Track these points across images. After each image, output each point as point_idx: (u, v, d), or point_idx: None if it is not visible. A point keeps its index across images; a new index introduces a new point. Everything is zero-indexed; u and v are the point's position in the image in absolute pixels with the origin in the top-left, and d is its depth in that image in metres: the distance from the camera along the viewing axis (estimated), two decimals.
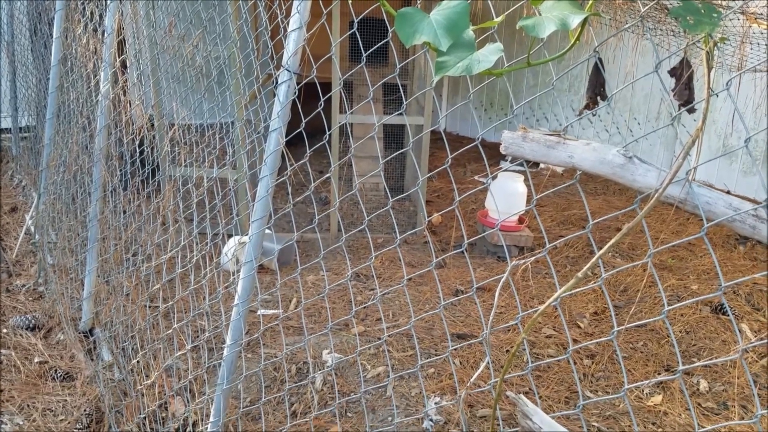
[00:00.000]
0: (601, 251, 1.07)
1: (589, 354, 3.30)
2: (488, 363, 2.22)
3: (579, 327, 3.59)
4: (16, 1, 4.73)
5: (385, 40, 1.64)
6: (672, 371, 3.17)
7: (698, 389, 3.04)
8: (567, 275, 4.19)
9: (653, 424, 2.79)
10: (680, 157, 0.99)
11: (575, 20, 1.05)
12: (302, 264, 4.22)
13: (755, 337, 3.44)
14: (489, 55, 1.10)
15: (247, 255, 1.86)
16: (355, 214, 5.27)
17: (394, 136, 5.86)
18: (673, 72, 2.66)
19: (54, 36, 3.35)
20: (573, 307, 3.77)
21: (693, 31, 0.99)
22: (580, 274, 1.09)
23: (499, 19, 1.22)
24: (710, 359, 3.21)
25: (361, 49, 1.73)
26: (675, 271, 4.16)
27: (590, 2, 1.02)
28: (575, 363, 3.21)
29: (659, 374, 3.14)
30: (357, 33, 1.72)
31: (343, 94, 4.25)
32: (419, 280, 4.05)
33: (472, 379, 2.71)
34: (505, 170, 4.40)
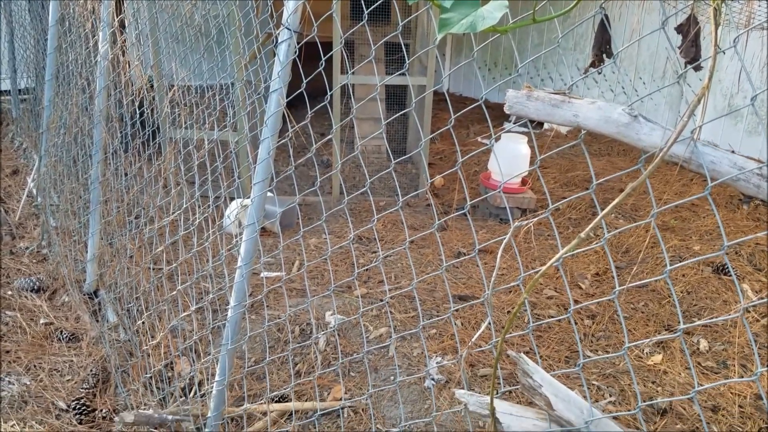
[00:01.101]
0: (604, 212, 1.07)
1: (590, 314, 3.32)
2: (489, 323, 2.23)
3: (580, 288, 3.60)
4: None
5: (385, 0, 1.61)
6: (672, 331, 3.19)
7: (698, 349, 3.07)
8: (569, 237, 4.19)
9: (653, 382, 2.83)
10: (685, 115, 0.98)
11: None
12: (304, 227, 4.22)
13: (756, 297, 3.45)
14: (494, 11, 1.08)
15: (249, 218, 1.85)
16: (357, 176, 5.25)
17: (396, 97, 5.80)
18: (679, 29, 2.61)
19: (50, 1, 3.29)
20: (575, 268, 3.78)
21: None
22: (582, 235, 1.09)
23: None
24: (711, 318, 3.23)
25: (363, 7, 1.70)
26: (677, 232, 4.16)
27: None
28: (576, 323, 3.23)
29: (660, 334, 3.17)
30: None
31: (344, 53, 4.18)
32: (421, 242, 4.06)
33: (473, 339, 2.74)
34: (509, 131, 4.37)
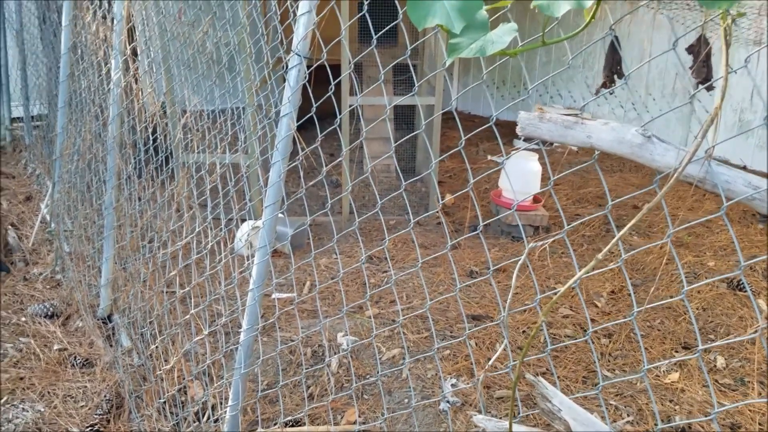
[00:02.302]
0: (621, 232, 1.06)
1: (606, 333, 3.29)
2: (506, 345, 2.22)
3: (596, 306, 3.57)
4: None
5: (394, 22, 1.62)
6: (690, 349, 3.15)
7: (715, 365, 3.03)
8: (584, 254, 4.17)
9: (670, 401, 2.79)
10: (699, 135, 0.97)
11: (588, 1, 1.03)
12: (315, 247, 4.23)
13: None
14: (503, 35, 1.08)
15: (261, 240, 1.86)
16: (367, 196, 5.26)
17: (404, 117, 5.83)
18: (690, 49, 2.61)
19: (63, 24, 3.35)
20: (590, 287, 3.75)
21: (711, 7, 0.96)
22: (600, 256, 1.08)
23: None
24: (729, 338, 3.19)
25: (371, 30, 1.71)
26: (691, 248, 4.13)
27: None
28: (592, 342, 3.20)
29: (677, 352, 3.13)
30: (366, 14, 1.70)
31: (353, 76, 4.21)
32: (433, 261, 4.05)
33: (491, 361, 2.72)
34: (520, 150, 4.37)
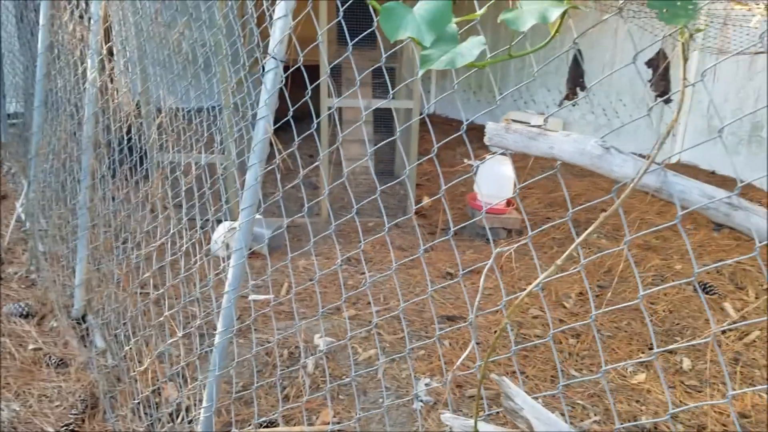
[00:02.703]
0: (579, 239, 1.11)
1: (574, 334, 3.36)
2: (474, 346, 2.27)
3: (564, 307, 3.65)
4: None
5: (371, 29, 1.66)
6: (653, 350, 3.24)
7: (681, 367, 3.12)
8: (553, 256, 4.24)
9: (636, 401, 2.86)
10: (655, 148, 1.02)
11: (554, 13, 1.08)
12: (293, 249, 4.24)
13: (737, 315, 3.51)
14: (472, 48, 1.13)
15: (238, 243, 1.88)
16: (346, 197, 5.29)
17: (383, 119, 5.87)
18: (650, 63, 2.69)
19: (40, 23, 3.33)
20: (559, 288, 3.83)
21: (669, 23, 1.02)
22: (558, 262, 1.13)
23: (481, 11, 1.24)
24: (689, 341, 3.28)
25: (347, 36, 1.74)
26: (659, 251, 4.23)
27: None
28: (560, 342, 3.27)
29: (642, 353, 3.21)
30: (344, 19, 1.74)
31: (330, 79, 4.24)
32: (410, 263, 4.09)
33: (459, 361, 2.76)
34: (493, 155, 4.43)
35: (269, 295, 3.64)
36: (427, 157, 1.66)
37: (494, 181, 4.38)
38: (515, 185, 4.56)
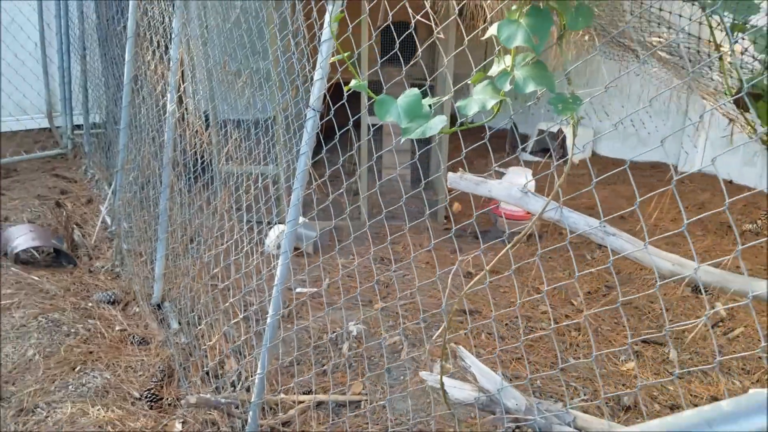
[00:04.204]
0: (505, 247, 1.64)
1: (577, 327, 3.85)
2: (446, 325, 2.80)
3: (572, 304, 4.13)
4: (87, 22, 5.44)
5: (391, 53, 2.20)
6: (649, 343, 3.69)
7: (668, 357, 3.57)
8: (568, 260, 4.72)
9: (623, 385, 3.34)
10: (551, 196, 1.55)
11: (491, 103, 1.62)
12: (334, 249, 4.85)
13: (726, 314, 3.92)
14: (437, 124, 1.68)
15: (283, 246, 2.48)
16: (384, 203, 5.87)
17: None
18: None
19: (126, 59, 4.01)
20: (569, 287, 4.30)
21: (561, 114, 1.54)
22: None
23: (458, 87, 1.79)
24: (679, 334, 3.72)
25: (394, 56, 2.29)
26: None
27: (500, 100, 1.58)
28: (563, 335, 3.76)
29: (636, 345, 3.67)
30: (385, 41, 2.25)
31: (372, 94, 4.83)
32: (435, 263, 4.63)
33: (434, 337, 3.29)
34: (508, 166, 4.90)
35: (314, 288, 4.26)
36: (452, 161, 2.20)
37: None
38: (541, 192, 5.04)
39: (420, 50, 2.12)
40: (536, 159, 6.60)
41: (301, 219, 4.71)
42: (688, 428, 0.69)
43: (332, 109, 2.39)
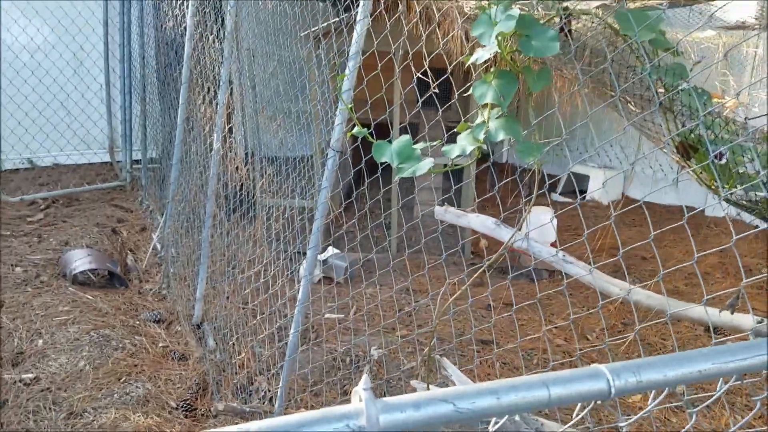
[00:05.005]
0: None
1: (590, 360, 4.01)
2: (434, 343, 3.02)
3: (588, 339, 4.29)
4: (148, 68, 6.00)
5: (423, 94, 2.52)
6: None
7: (674, 391, 3.69)
8: (588, 296, 4.88)
9: (627, 415, 3.49)
10: (517, 227, 1.82)
11: (469, 148, 1.91)
12: (364, 279, 5.15)
13: None
14: (426, 164, 1.98)
15: (304, 271, 2.80)
16: (413, 237, 6.15)
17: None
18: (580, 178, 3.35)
19: (180, 102, 4.47)
20: (585, 323, 4.47)
21: (525, 158, 1.82)
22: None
23: (442, 139, 2.09)
24: None
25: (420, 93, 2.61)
26: (685, 295, 4.76)
27: (477, 149, 1.87)
28: (576, 367, 3.92)
29: None
30: (420, 83, 2.51)
31: (409, 132, 5.17)
32: (460, 294, 4.87)
33: (425, 352, 3.51)
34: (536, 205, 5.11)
35: (341, 314, 4.55)
36: (481, 198, 2.48)
37: (538, 228, 5.09)
38: (565, 231, 5.23)
39: (455, 98, 2.42)
40: (566, 200, 6.79)
41: (334, 250, 5.04)
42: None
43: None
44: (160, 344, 4.27)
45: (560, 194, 7.01)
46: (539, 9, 2.26)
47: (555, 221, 5.16)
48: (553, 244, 5.26)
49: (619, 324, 4.53)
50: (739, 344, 1.23)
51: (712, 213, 6.48)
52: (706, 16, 4.45)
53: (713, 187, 1.58)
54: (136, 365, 4.04)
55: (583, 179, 7.07)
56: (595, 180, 6.65)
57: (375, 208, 6.51)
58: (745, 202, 1.63)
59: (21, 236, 5.68)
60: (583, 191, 7.07)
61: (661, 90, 1.73)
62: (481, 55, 1.69)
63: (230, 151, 3.78)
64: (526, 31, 1.66)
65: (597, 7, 3.06)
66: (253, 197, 3.74)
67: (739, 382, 1.22)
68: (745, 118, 1.47)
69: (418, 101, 2.54)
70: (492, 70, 1.81)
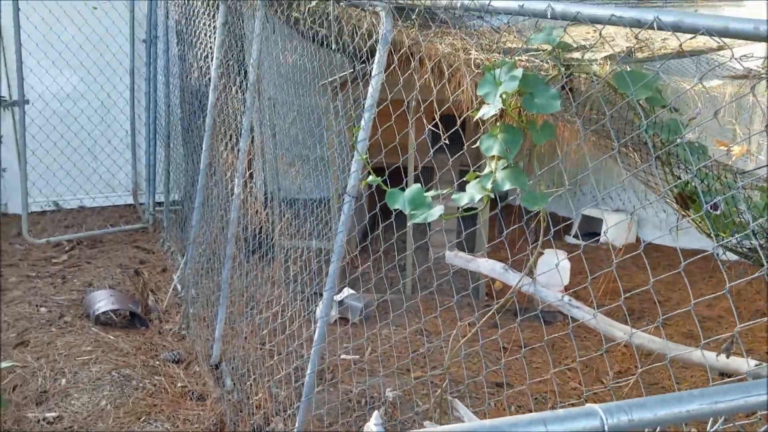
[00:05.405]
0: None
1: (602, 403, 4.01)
2: (447, 384, 3.08)
3: (602, 383, 4.31)
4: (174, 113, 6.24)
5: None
6: None
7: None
8: (601, 339, 4.90)
9: None
10: (525, 271, 1.91)
11: (478, 197, 2.02)
12: (379, 319, 5.22)
13: None
14: (437, 211, 2.09)
15: (320, 313, 2.89)
16: (428, 278, 6.22)
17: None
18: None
19: (203, 148, 4.65)
20: (600, 366, 4.49)
21: (530, 207, 1.93)
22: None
23: (448, 189, 2.20)
24: None
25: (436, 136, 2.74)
26: (698, 339, 4.76)
27: (485, 205, 1.98)
28: None
29: None
30: (434, 128, 2.65)
31: (421, 178, 5.31)
32: (472, 336, 4.91)
33: (438, 394, 3.55)
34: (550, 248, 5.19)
35: (356, 355, 4.61)
36: (494, 242, 2.57)
37: (552, 271, 5.15)
38: (578, 274, 5.27)
39: (467, 145, 2.54)
40: (580, 242, 6.85)
41: (350, 291, 5.13)
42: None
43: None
44: (179, 384, 4.35)
45: (574, 237, 7.06)
46: (546, 63, 2.39)
47: (568, 264, 5.22)
48: (567, 288, 5.32)
49: (632, 368, 4.54)
50: (729, 385, 1.30)
51: (725, 257, 6.49)
52: (713, 65, 4.57)
53: (711, 235, 1.67)
54: (155, 405, 4.12)
55: (597, 222, 7.13)
56: (608, 223, 6.71)
57: (390, 250, 6.60)
58: (741, 250, 1.71)
59: (46, 277, 5.85)
60: (596, 234, 7.12)
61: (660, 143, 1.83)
62: (487, 111, 1.81)
63: (250, 195, 3.92)
64: (529, 89, 1.78)
65: (603, 58, 3.21)
66: (272, 240, 3.86)
67: (730, 424, 1.29)
68: (736, 173, 1.57)
69: (430, 149, 2.66)
70: (498, 124, 1.93)
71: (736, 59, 1.56)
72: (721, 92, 4.13)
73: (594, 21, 1.70)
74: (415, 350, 4.71)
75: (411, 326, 5.15)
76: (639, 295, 5.62)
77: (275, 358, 3.32)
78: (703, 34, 1.51)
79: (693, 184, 1.65)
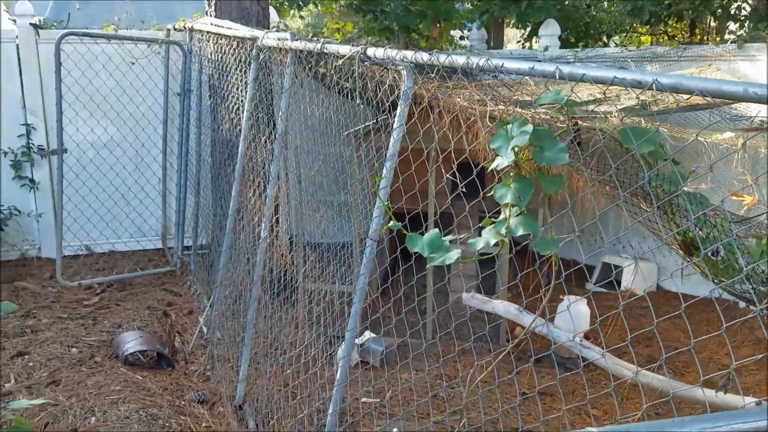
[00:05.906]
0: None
1: None
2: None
3: None
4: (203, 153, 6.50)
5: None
6: None
7: None
8: (621, 384, 4.91)
9: None
10: (538, 312, 2.03)
11: (493, 241, 2.15)
12: (399, 362, 5.29)
13: None
14: (454, 255, 2.22)
15: (342, 353, 3.00)
16: (449, 323, 6.29)
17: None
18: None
19: (232, 194, 4.85)
20: (621, 412, 4.50)
21: (542, 252, 2.05)
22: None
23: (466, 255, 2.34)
24: None
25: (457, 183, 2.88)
26: (715, 386, 4.75)
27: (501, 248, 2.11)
28: None
29: None
30: (453, 175, 2.80)
31: (440, 224, 5.45)
32: (492, 381, 4.97)
33: None
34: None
35: (377, 399, 4.68)
36: (511, 283, 2.68)
37: (572, 318, 5.21)
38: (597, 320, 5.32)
39: (483, 192, 2.69)
40: (600, 290, 6.89)
41: (371, 334, 5.23)
42: None
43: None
44: (203, 424, 4.45)
45: (594, 284, 7.10)
46: (560, 117, 2.56)
47: (587, 310, 5.27)
48: (587, 335, 5.36)
49: (653, 414, 4.54)
50: (728, 412, 1.39)
51: (743, 305, 6.48)
52: (726, 117, 4.71)
53: (710, 279, 1.78)
54: None
55: (618, 270, 7.18)
56: (628, 271, 6.75)
57: (410, 293, 6.70)
58: (743, 294, 1.81)
59: (77, 319, 6.03)
60: (617, 281, 7.16)
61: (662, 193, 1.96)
62: (500, 162, 1.96)
63: (276, 239, 4.09)
64: (539, 143, 1.93)
65: (619, 110, 3.37)
66: (296, 282, 4.01)
67: None
68: (732, 221, 1.69)
69: (448, 196, 2.80)
70: (511, 174, 2.08)
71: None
72: (732, 144, 4.24)
73: (598, 82, 1.86)
74: (435, 394, 4.76)
75: (430, 369, 5.21)
76: (658, 343, 5.64)
77: (297, 399, 3.42)
78: (698, 95, 1.66)
79: (692, 231, 1.77)
